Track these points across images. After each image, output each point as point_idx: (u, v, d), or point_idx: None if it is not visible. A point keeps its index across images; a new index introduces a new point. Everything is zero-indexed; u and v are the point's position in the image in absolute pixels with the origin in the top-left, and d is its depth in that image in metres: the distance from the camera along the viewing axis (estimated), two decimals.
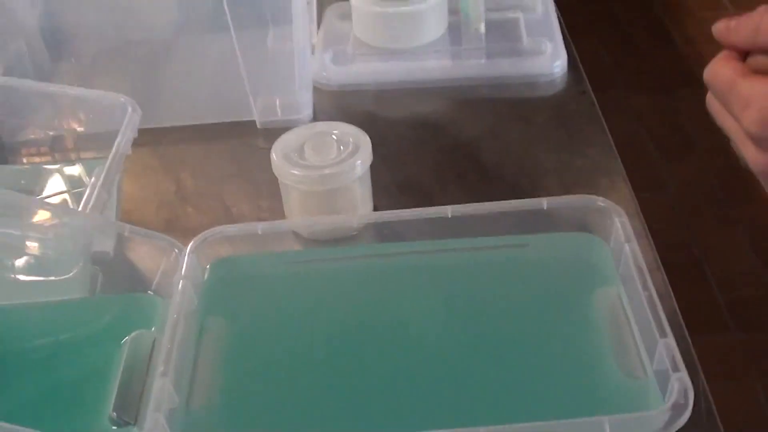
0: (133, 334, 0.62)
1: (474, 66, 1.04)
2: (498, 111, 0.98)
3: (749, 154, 0.53)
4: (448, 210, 0.63)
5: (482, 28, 1.07)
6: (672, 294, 0.71)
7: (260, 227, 0.64)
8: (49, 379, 0.61)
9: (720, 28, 0.54)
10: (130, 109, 0.79)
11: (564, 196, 0.62)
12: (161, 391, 0.52)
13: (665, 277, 0.72)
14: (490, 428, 0.47)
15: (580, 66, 1.02)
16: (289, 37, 0.96)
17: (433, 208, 0.63)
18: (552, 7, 1.11)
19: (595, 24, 2.78)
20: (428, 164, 0.91)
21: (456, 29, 1.09)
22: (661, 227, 2.11)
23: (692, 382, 0.50)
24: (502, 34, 1.08)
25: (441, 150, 0.92)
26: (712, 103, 0.55)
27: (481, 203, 0.63)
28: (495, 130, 0.95)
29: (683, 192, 2.20)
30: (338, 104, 1.01)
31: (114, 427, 0.56)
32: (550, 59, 1.02)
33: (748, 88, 0.51)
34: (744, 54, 0.54)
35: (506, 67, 1.03)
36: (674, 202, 2.18)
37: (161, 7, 1.04)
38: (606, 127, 0.93)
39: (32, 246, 0.66)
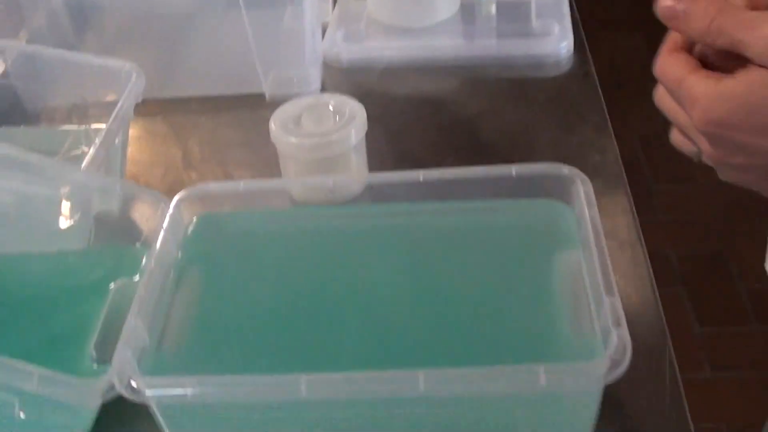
0: (118, 281, 0.66)
1: (484, 46, 1.07)
2: (501, 90, 1.00)
3: (703, 147, 0.54)
4: (420, 174, 0.65)
5: (493, 9, 1.09)
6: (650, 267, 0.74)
7: (242, 184, 0.67)
8: (40, 322, 0.65)
9: (666, 8, 0.52)
10: (134, 76, 0.82)
11: (532, 164, 0.64)
12: (132, 329, 0.55)
13: (646, 254, 0.75)
14: (430, 371, 0.49)
15: (587, 48, 1.04)
16: (300, 15, 0.99)
17: (406, 172, 0.66)
18: None
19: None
20: (427, 139, 0.93)
21: (468, 9, 1.11)
22: (688, 219, 2.13)
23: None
24: (513, 16, 1.10)
25: (440, 126, 0.95)
26: (662, 96, 0.57)
27: (452, 168, 0.65)
28: (495, 108, 0.97)
29: (712, 185, 2.20)
30: (347, 80, 1.04)
31: (94, 365, 0.60)
32: (556, 41, 1.04)
33: (695, 85, 0.52)
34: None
35: (514, 48, 1.05)
36: (703, 194, 2.18)
37: None
38: (605, 108, 0.94)
39: (34, 198, 0.71)
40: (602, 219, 0.60)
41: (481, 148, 0.90)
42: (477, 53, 1.06)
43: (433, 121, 0.96)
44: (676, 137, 0.58)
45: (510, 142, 0.90)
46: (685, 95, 0.52)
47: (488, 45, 1.07)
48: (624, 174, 0.84)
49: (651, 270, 0.72)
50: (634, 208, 0.80)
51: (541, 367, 0.49)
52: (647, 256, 0.75)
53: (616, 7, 2.77)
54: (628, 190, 0.82)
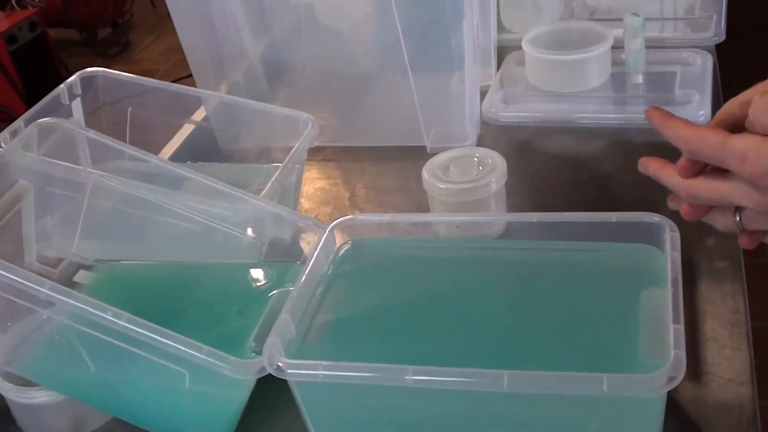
0: (279, 291, 0.80)
1: (630, 112, 1.17)
2: (638, 152, 1.08)
3: (753, 201, 0.63)
4: (534, 216, 0.77)
5: (641, 79, 1.19)
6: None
7: (386, 217, 0.81)
8: (213, 320, 0.80)
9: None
10: (310, 125, 0.97)
11: (630, 213, 0.75)
12: (283, 322, 0.69)
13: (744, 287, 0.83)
14: (513, 372, 0.61)
15: None
16: (463, 79, 1.13)
17: (523, 213, 0.77)
18: (710, 63, 1.22)
19: None
20: (562, 191, 1.04)
21: (618, 78, 1.22)
22: None
23: None
24: (659, 85, 1.19)
25: (577, 181, 1.05)
26: (693, 185, 0.67)
27: (562, 213, 0.76)
28: (630, 168, 1.06)
29: None
30: (501, 137, 1.16)
31: (252, 354, 0.74)
32: (695, 109, 1.12)
33: (741, 144, 0.61)
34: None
35: None
36: None
37: (365, 49, 1.23)
38: None
39: (221, 221, 0.87)
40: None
41: (610, 202, 1.00)
42: (623, 118, 1.16)
43: (571, 177, 1.06)
44: (715, 218, 0.67)
45: (638, 197, 0.99)
46: (731, 155, 0.61)
47: (634, 111, 1.16)
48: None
49: (747, 306, 0.80)
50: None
51: (605, 375, 0.60)
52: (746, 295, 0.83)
53: (757, 78, 2.75)
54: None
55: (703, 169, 0.67)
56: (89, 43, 4.16)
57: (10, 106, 3.55)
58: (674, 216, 0.74)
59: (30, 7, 3.73)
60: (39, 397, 0.80)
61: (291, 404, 0.69)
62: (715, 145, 0.62)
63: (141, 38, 4.29)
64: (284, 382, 0.67)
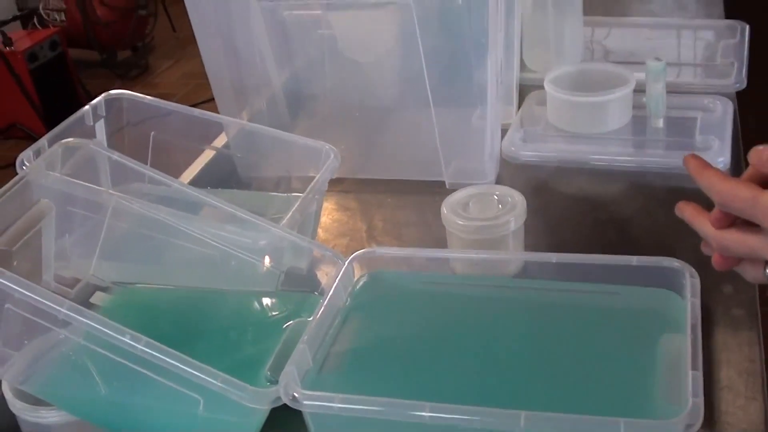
0: (296, 321, 0.80)
1: (649, 155, 1.17)
2: (657, 195, 1.09)
3: None
4: (553, 257, 0.77)
5: (661, 123, 1.20)
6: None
7: (405, 251, 0.81)
8: (228, 347, 0.80)
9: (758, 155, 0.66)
10: (332, 156, 0.98)
11: (650, 257, 0.75)
12: (300, 353, 0.69)
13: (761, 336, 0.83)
14: (530, 413, 0.60)
15: (744, 164, 1.12)
16: (484, 116, 1.13)
17: (542, 253, 0.77)
18: (730, 110, 1.22)
19: None
20: (579, 232, 1.04)
21: (639, 121, 1.22)
22: None
23: None
24: (680, 130, 1.20)
25: (595, 222, 1.06)
26: (729, 239, 0.68)
27: (582, 254, 0.76)
28: (649, 211, 1.07)
29: None
30: (520, 175, 1.17)
31: (267, 383, 0.74)
32: (715, 155, 1.12)
33: None
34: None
35: (676, 159, 1.14)
36: None
37: (387, 82, 1.24)
38: None
39: (239, 248, 0.87)
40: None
41: (627, 245, 1.00)
42: (642, 161, 1.16)
43: (590, 218, 1.06)
44: (745, 269, 0.68)
45: (655, 241, 0.99)
46: (762, 210, 0.62)
47: (653, 155, 1.17)
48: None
49: (763, 355, 0.80)
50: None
51: (622, 420, 0.59)
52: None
53: None
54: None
55: (736, 220, 0.68)
56: (109, 65, 4.19)
57: (27, 124, 3.58)
58: (691, 262, 0.75)
59: (51, 26, 3.76)
60: (50, 417, 0.80)
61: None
62: (747, 200, 0.63)
63: (160, 62, 4.32)
64: (298, 412, 0.67)
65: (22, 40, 3.57)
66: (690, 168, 0.70)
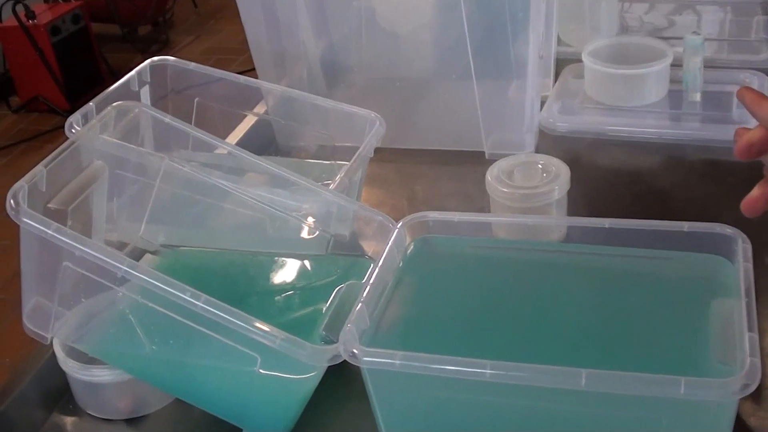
0: (347, 283, 0.81)
1: (686, 128, 1.18)
2: (695, 168, 1.10)
3: None
4: (606, 222, 0.78)
5: (698, 96, 1.20)
6: None
7: (457, 216, 0.82)
8: (282, 309, 0.82)
9: None
10: (378, 123, 0.99)
11: (701, 222, 0.76)
12: (358, 312, 0.70)
13: None
14: (591, 371, 0.61)
15: None
16: (523, 88, 1.14)
17: (594, 219, 0.78)
18: (767, 84, 1.22)
19: None
20: (620, 204, 1.05)
21: (675, 95, 1.22)
22: None
23: None
24: (716, 104, 1.20)
25: (636, 195, 1.06)
26: None
27: (634, 219, 0.77)
28: (688, 183, 1.07)
29: None
30: (558, 146, 1.17)
31: (322, 343, 0.75)
32: None
33: None
34: None
35: (713, 132, 1.15)
36: None
37: (424, 54, 1.25)
38: None
39: (290, 211, 0.88)
40: None
41: (668, 216, 1.00)
42: (679, 134, 1.17)
43: (630, 190, 1.07)
44: None
45: (696, 212, 1.00)
46: None
47: (691, 128, 1.17)
48: None
49: None
50: None
51: (683, 379, 0.60)
52: None
53: None
54: None
55: None
56: (130, 39, 4.19)
57: (49, 97, 3.59)
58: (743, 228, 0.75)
59: (74, 0, 3.76)
60: (102, 375, 0.81)
61: (354, 399, 0.71)
62: None
63: (181, 37, 4.32)
64: (349, 379, 0.68)
65: (44, 13, 3.58)
66: (746, 101, 0.70)
